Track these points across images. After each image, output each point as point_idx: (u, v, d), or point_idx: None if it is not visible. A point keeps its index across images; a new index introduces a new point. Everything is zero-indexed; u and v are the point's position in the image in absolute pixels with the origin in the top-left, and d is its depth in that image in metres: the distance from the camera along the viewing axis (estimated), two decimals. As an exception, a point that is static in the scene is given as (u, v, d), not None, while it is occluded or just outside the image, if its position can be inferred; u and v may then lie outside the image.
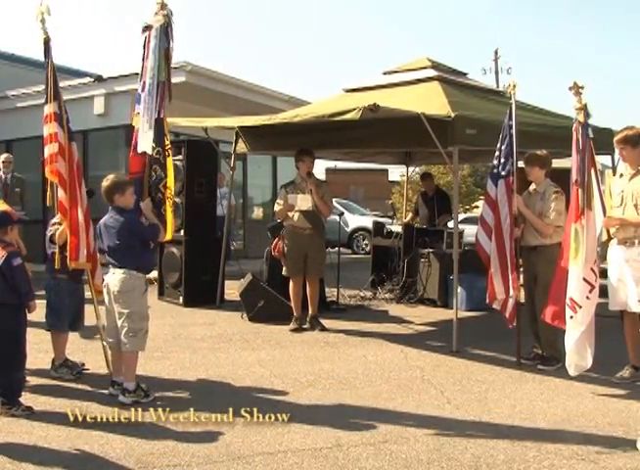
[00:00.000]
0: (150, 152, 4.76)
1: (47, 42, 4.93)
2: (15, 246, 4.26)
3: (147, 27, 4.69)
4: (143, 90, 4.81)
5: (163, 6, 4.61)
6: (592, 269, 4.62)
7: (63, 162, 4.81)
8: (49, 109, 4.88)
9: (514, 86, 5.60)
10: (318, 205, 6.78)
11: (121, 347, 4.45)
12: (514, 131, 5.39)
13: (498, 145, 5.44)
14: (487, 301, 5.44)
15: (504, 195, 5.34)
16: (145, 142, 4.75)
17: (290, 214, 6.89)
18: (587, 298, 4.58)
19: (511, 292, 5.28)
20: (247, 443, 3.72)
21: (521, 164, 5.78)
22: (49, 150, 4.87)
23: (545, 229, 5.39)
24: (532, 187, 5.62)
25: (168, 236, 4.90)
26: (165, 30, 4.68)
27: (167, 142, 4.81)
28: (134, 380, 4.45)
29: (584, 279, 4.59)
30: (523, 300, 5.67)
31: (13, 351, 4.14)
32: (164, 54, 4.71)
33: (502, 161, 5.38)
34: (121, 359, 4.54)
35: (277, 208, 7.06)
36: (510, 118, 5.42)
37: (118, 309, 4.43)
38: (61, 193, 4.83)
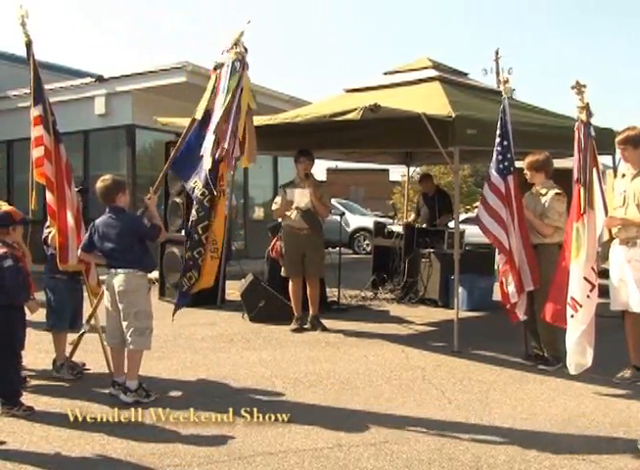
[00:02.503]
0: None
1: (29, 45, 4.91)
2: (15, 247, 4.24)
3: (219, 66, 4.47)
4: (211, 130, 4.47)
5: (237, 43, 4.41)
6: (593, 268, 4.62)
7: (49, 164, 4.81)
8: (34, 112, 4.88)
9: (505, 82, 5.63)
10: (316, 205, 6.78)
11: (127, 346, 4.46)
12: (509, 127, 5.40)
13: (498, 140, 5.42)
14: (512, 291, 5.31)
15: (514, 191, 5.34)
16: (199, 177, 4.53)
17: (287, 213, 6.87)
18: (588, 297, 4.57)
19: (526, 287, 5.26)
20: (247, 443, 3.72)
21: (519, 164, 5.78)
22: (36, 153, 4.88)
23: (544, 229, 5.38)
24: (535, 188, 5.61)
25: (204, 284, 4.79)
26: (238, 68, 4.43)
27: (223, 183, 4.61)
28: (137, 379, 4.45)
29: (585, 278, 4.58)
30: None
31: (7, 350, 4.12)
32: (237, 80, 4.43)
33: (508, 156, 5.36)
34: (122, 360, 4.55)
35: (275, 207, 7.04)
36: (505, 114, 5.42)
37: (125, 310, 4.43)
38: (49, 195, 4.84)
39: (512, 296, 5.27)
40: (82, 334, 5.05)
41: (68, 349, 5.15)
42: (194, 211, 4.66)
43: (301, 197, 6.72)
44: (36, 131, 4.89)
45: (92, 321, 5.06)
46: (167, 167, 4.88)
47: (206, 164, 4.45)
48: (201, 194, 4.57)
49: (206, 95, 4.58)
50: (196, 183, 4.61)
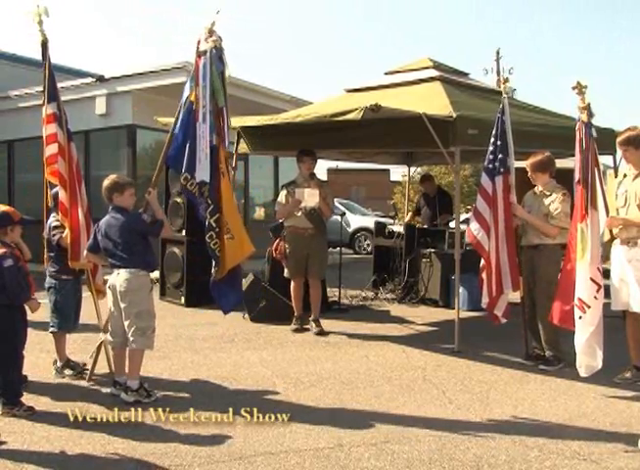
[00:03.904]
0: (207, 179, 4.50)
1: (45, 44, 4.92)
2: (14, 247, 4.24)
3: (202, 53, 4.50)
4: (200, 119, 4.49)
5: (212, 32, 4.47)
6: (598, 269, 4.60)
7: (62, 162, 4.83)
8: (48, 110, 4.89)
9: (505, 81, 5.62)
10: (320, 205, 6.77)
11: (129, 345, 4.46)
12: (507, 126, 5.40)
13: (492, 140, 5.43)
14: (485, 296, 5.41)
15: (502, 192, 5.34)
16: (204, 171, 4.50)
17: (297, 213, 6.82)
18: (595, 297, 4.55)
19: (505, 289, 5.31)
20: (248, 443, 3.72)
21: (520, 163, 5.76)
22: (49, 151, 4.89)
23: (551, 230, 5.36)
24: (539, 188, 5.59)
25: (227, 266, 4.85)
26: (219, 55, 4.52)
27: (222, 166, 4.61)
28: (138, 378, 4.45)
29: (591, 279, 4.56)
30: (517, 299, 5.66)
31: (8, 350, 4.12)
32: (221, 78, 4.54)
33: (499, 156, 5.36)
34: (124, 359, 4.55)
35: (278, 207, 7.02)
36: (503, 113, 5.41)
37: (127, 309, 4.42)
38: (61, 193, 4.84)
39: (484, 296, 5.37)
40: (100, 345, 4.99)
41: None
42: (204, 202, 4.64)
43: (311, 196, 6.69)
44: (49, 129, 4.90)
45: (107, 333, 5.03)
46: (162, 161, 4.86)
47: (204, 154, 4.47)
48: (190, 185, 4.56)
49: (189, 83, 4.60)
50: (185, 177, 4.59)
